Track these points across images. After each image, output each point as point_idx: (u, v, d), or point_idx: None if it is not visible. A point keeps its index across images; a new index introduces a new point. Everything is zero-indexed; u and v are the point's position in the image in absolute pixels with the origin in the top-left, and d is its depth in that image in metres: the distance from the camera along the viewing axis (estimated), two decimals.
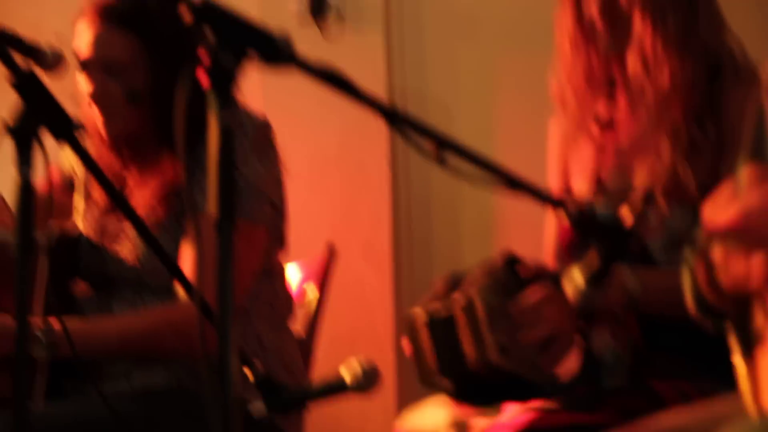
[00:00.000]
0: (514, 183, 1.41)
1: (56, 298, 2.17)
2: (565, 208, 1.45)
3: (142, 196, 2.38)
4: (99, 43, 2.34)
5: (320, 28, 3.70)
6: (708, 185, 2.14)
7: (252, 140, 2.34)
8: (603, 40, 2.22)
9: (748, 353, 1.50)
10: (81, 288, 2.49)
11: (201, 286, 1.35)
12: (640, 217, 1.48)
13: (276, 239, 2.47)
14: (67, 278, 2.47)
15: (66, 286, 2.46)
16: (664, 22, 2.16)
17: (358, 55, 3.62)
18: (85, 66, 2.37)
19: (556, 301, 1.98)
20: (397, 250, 3.60)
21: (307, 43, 3.63)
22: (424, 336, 2.08)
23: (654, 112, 2.20)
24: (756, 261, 1.34)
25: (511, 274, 2.05)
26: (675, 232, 2.15)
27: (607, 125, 2.30)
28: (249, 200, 2.32)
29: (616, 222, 1.48)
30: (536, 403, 2.01)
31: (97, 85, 2.35)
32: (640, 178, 2.22)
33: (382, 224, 3.59)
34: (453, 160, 1.41)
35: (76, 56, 2.36)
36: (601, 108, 2.31)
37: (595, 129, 2.31)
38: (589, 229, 1.49)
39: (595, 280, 1.52)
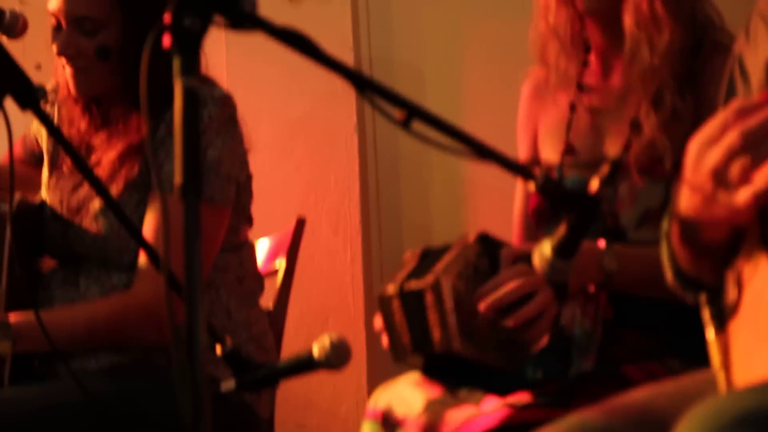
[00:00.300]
0: (482, 151, 1.39)
1: (21, 272, 2.15)
2: (533, 176, 1.43)
3: (110, 157, 2.36)
4: None
5: None
6: (681, 159, 2.13)
7: (215, 118, 2.32)
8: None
9: (721, 327, 1.49)
10: (49, 263, 2.47)
11: (167, 254, 1.32)
12: (606, 184, 1.45)
13: (242, 216, 2.46)
14: (33, 252, 2.44)
15: (32, 260, 2.44)
16: None
17: (324, 20, 3.59)
18: (57, 21, 2.35)
19: (531, 282, 1.97)
20: (365, 221, 3.58)
21: (272, 8, 3.64)
22: (397, 311, 2.05)
23: (640, 77, 2.15)
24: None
25: (484, 256, 2.02)
26: (647, 206, 2.12)
27: (582, 88, 2.27)
28: (213, 182, 2.30)
29: (583, 190, 1.46)
30: (510, 399, 1.99)
31: (67, 40, 2.33)
32: (613, 146, 2.20)
33: (351, 195, 3.58)
34: (421, 127, 1.39)
35: (49, 7, 2.34)
36: (575, 71, 2.28)
37: (572, 91, 2.27)
38: (556, 198, 1.47)
39: (562, 250, 1.49)
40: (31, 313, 2.14)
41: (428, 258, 2.06)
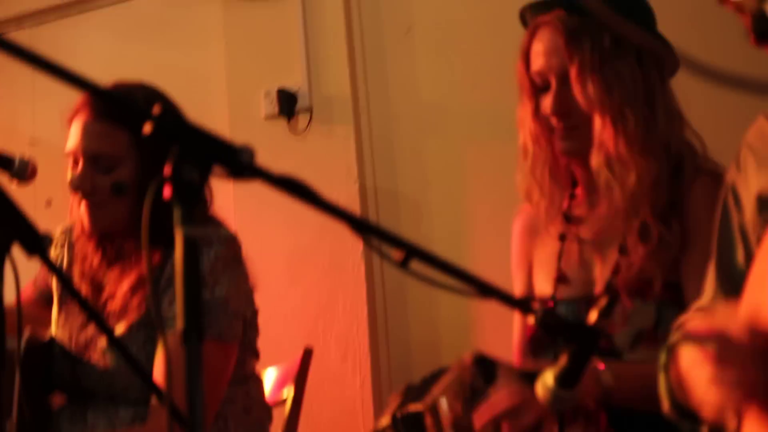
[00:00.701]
0: (482, 288, 1.41)
1: (30, 409, 2.16)
2: (533, 311, 1.45)
3: (122, 289, 2.37)
4: (88, 135, 2.36)
5: (291, 128, 3.74)
6: (671, 281, 2.16)
7: (221, 258, 2.34)
8: (561, 139, 2.24)
9: None
10: (59, 400, 2.47)
11: (171, 397, 1.34)
12: (605, 315, 1.48)
13: (249, 351, 2.47)
14: (41, 389, 2.45)
15: (40, 397, 2.44)
16: (624, 122, 2.16)
17: (330, 151, 3.66)
18: (74, 158, 2.38)
19: (523, 395, 1.98)
20: (374, 346, 3.59)
21: (279, 143, 3.71)
22: None
23: (623, 210, 2.20)
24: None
25: (479, 375, 2.04)
26: (639, 327, 2.15)
27: (570, 221, 2.31)
28: (220, 319, 2.31)
29: (579, 320, 1.49)
30: None
31: (84, 176, 2.36)
32: (603, 272, 2.23)
33: (359, 321, 3.59)
34: (423, 266, 1.41)
35: (68, 147, 2.38)
36: (563, 203, 2.33)
37: (561, 224, 2.32)
38: (556, 330, 1.49)
39: (565, 380, 1.51)
40: None
41: (411, 392, 2.09)
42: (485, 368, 2.05)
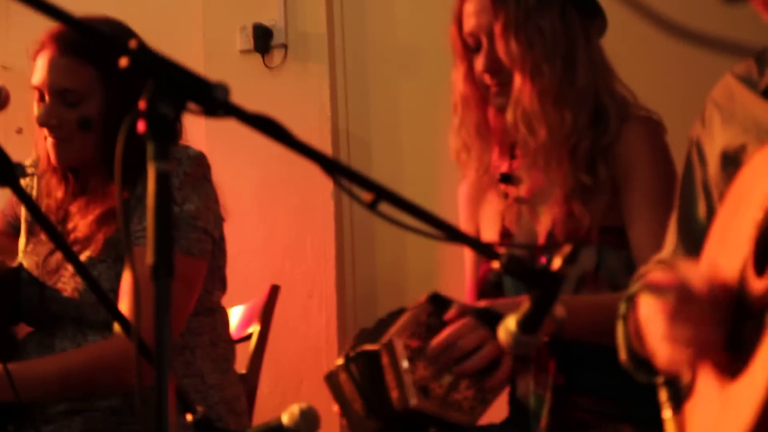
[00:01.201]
0: (451, 233, 1.43)
1: None
2: (499, 256, 1.48)
3: (86, 224, 2.39)
4: (54, 70, 2.36)
5: (266, 63, 3.73)
6: (609, 223, 2.21)
7: (190, 174, 2.36)
8: (495, 96, 2.29)
9: (678, 408, 1.53)
10: (24, 330, 2.48)
11: (138, 328, 1.36)
12: (569, 262, 1.50)
13: (217, 278, 2.49)
14: (9, 318, 2.46)
15: (6, 326, 2.45)
16: (540, 77, 2.22)
17: (303, 90, 3.65)
18: (40, 92, 2.39)
19: (477, 331, 2.03)
20: (341, 284, 3.61)
21: (253, 79, 3.70)
22: (345, 382, 2.11)
23: (540, 163, 2.26)
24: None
25: (435, 313, 2.08)
26: (581, 271, 2.21)
27: (510, 180, 2.36)
28: (188, 234, 2.33)
29: (546, 268, 1.51)
30: None
31: (50, 111, 2.37)
32: (544, 224, 2.28)
33: (327, 259, 3.60)
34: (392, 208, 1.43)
35: (33, 81, 2.39)
36: (504, 163, 2.37)
37: (496, 184, 2.37)
38: (520, 275, 1.51)
39: (527, 325, 1.54)
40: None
41: (365, 335, 2.12)
42: (441, 306, 2.09)
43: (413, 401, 2.01)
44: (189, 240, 2.33)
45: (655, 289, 1.48)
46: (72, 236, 2.39)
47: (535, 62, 2.22)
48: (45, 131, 2.40)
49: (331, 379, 2.15)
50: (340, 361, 2.13)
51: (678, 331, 1.43)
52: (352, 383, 2.10)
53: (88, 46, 2.34)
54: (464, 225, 2.48)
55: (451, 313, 2.08)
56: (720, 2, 1.26)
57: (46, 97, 2.38)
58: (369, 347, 2.07)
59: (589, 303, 2.14)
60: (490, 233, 2.38)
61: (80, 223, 2.39)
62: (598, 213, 2.21)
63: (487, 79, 2.29)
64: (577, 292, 2.20)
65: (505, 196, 2.35)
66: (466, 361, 2.05)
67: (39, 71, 2.38)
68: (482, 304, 2.17)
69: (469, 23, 2.30)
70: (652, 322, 1.50)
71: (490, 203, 2.40)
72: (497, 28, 2.24)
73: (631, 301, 1.67)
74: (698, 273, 1.47)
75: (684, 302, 1.43)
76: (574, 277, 2.20)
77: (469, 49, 2.32)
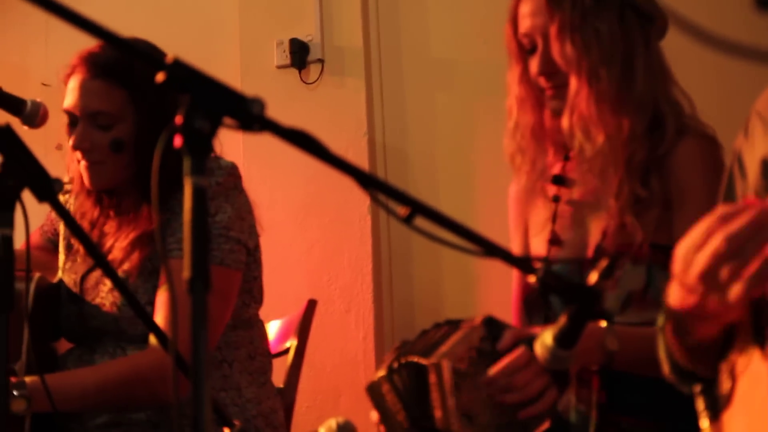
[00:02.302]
0: (486, 248, 1.42)
1: (36, 353, 2.18)
2: (534, 269, 1.47)
3: (121, 244, 2.39)
4: (85, 93, 2.37)
5: (302, 78, 3.74)
6: (660, 242, 2.17)
7: (222, 184, 2.37)
8: (550, 99, 2.25)
9: (715, 417, 1.51)
10: (63, 346, 2.50)
11: (175, 343, 1.36)
12: (605, 276, 1.49)
13: (254, 290, 2.49)
14: (50, 333, 2.47)
15: (47, 341, 2.47)
16: (598, 81, 2.17)
17: (340, 104, 3.66)
18: (72, 115, 2.40)
19: (532, 366, 1.99)
20: (378, 299, 3.61)
21: (290, 94, 3.71)
22: (388, 393, 2.09)
23: (595, 170, 2.21)
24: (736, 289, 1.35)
25: (488, 339, 2.05)
26: (629, 289, 2.16)
27: (563, 182, 2.32)
28: (221, 245, 2.34)
29: (583, 282, 1.50)
30: None
31: (82, 134, 2.38)
32: (595, 234, 2.24)
33: (364, 274, 3.61)
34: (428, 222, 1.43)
35: (65, 105, 2.40)
36: (557, 166, 2.33)
37: (549, 187, 2.33)
38: (556, 290, 1.50)
39: (563, 340, 1.53)
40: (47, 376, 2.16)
41: (406, 344, 2.10)
42: (495, 331, 2.06)
43: (455, 427, 2.00)
44: (222, 251, 2.33)
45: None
46: (108, 257, 2.41)
47: (592, 66, 2.17)
48: (78, 154, 2.41)
49: (373, 389, 2.14)
50: (382, 372, 2.11)
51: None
52: (396, 394, 2.09)
53: (120, 68, 2.35)
54: (513, 225, 2.45)
55: (504, 343, 2.03)
56: (752, 10, 1.25)
57: (78, 121, 2.39)
58: (418, 359, 2.05)
59: (641, 336, 2.06)
60: (539, 238, 2.34)
61: (116, 245, 2.40)
62: (649, 227, 2.15)
63: (542, 81, 2.25)
64: (624, 311, 2.16)
65: (556, 198, 2.32)
66: (515, 394, 2.01)
67: (70, 94, 2.39)
68: (537, 330, 2.15)
69: (525, 24, 2.26)
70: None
71: (540, 206, 2.36)
72: (552, 30, 2.19)
73: (665, 311, 1.66)
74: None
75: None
76: (623, 294, 2.16)
77: (524, 50, 2.28)
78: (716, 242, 1.32)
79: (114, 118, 2.37)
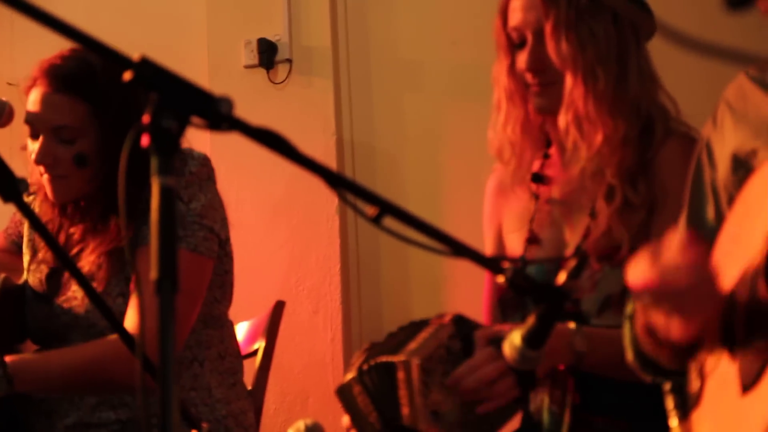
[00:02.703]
0: (455, 248, 1.42)
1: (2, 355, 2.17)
2: (503, 270, 1.47)
3: (89, 258, 2.37)
4: (47, 107, 2.34)
5: (270, 78, 3.73)
6: (639, 245, 2.16)
7: (195, 174, 2.36)
8: (535, 96, 2.24)
9: (684, 416, 1.52)
10: (29, 348, 2.48)
11: (143, 340, 1.35)
12: (574, 276, 1.49)
13: (226, 285, 2.48)
14: (14, 336, 2.45)
15: (12, 346, 2.45)
16: (595, 80, 2.16)
17: (307, 104, 3.66)
18: (34, 128, 2.36)
19: (501, 367, 1.99)
20: (346, 300, 3.61)
21: (258, 93, 3.70)
22: (359, 394, 2.09)
23: (588, 171, 2.20)
24: (674, 323, 1.40)
25: (457, 337, 2.05)
26: (607, 292, 2.16)
27: (542, 180, 2.32)
28: (195, 232, 2.33)
29: (548, 280, 1.51)
30: None
31: (45, 149, 2.35)
32: (574, 234, 2.24)
33: (332, 275, 3.60)
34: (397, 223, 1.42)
35: (26, 118, 2.36)
36: (536, 163, 2.33)
37: (531, 183, 2.32)
38: (525, 290, 1.51)
39: (532, 340, 1.53)
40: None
41: (374, 347, 2.10)
42: (464, 329, 2.06)
43: (422, 425, 2.00)
44: (196, 238, 2.32)
45: (635, 295, 1.47)
46: (77, 264, 2.39)
47: (588, 64, 2.16)
48: (41, 168, 2.38)
49: (344, 392, 2.13)
50: (352, 374, 2.10)
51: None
52: (367, 395, 2.08)
53: (82, 81, 2.32)
54: (487, 219, 2.43)
55: (477, 346, 2.03)
56: (724, 10, 1.25)
57: (39, 133, 2.36)
58: (386, 358, 2.05)
59: (611, 338, 2.04)
60: (515, 235, 2.33)
61: (83, 256, 2.39)
62: (632, 231, 2.15)
63: (529, 77, 2.23)
64: (602, 314, 2.15)
65: (536, 197, 2.31)
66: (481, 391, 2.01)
67: (32, 107, 2.35)
68: (506, 327, 2.15)
69: (515, 18, 2.24)
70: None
71: (517, 202, 2.34)
72: (548, 27, 2.18)
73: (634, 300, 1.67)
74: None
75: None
76: (601, 297, 2.16)
77: (512, 43, 2.26)
78: (653, 296, 1.42)
79: (77, 131, 2.34)
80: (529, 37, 2.23)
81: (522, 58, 2.23)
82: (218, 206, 2.41)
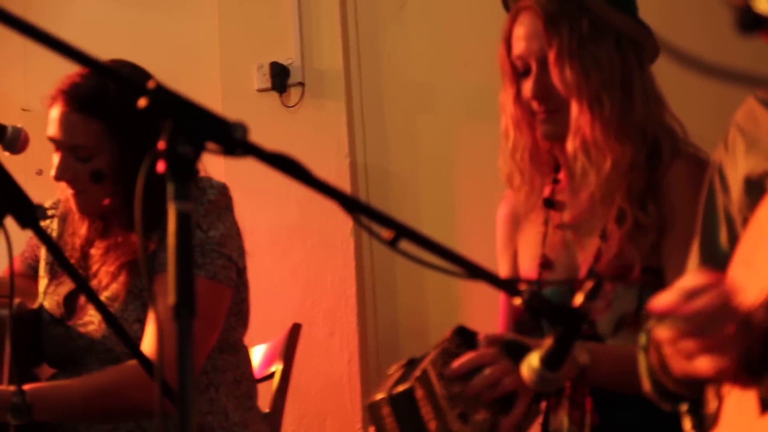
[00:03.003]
0: (471, 270, 1.42)
1: (19, 382, 2.17)
2: (520, 293, 1.47)
3: (108, 269, 2.40)
4: (64, 127, 2.39)
5: (283, 102, 3.74)
6: (651, 264, 2.17)
7: (214, 202, 2.39)
8: (542, 123, 2.25)
9: None
10: (45, 372, 2.48)
11: (161, 366, 1.35)
12: (590, 298, 1.50)
13: (241, 312, 2.49)
14: (30, 360, 2.46)
15: (29, 369, 2.45)
16: (600, 107, 2.17)
17: (321, 127, 3.66)
18: (56, 142, 2.41)
19: (500, 362, 2.00)
20: (362, 322, 3.60)
21: (270, 117, 3.71)
22: (387, 415, 2.09)
23: (598, 195, 2.21)
24: (702, 362, 1.39)
25: (461, 344, 2.07)
26: (621, 312, 2.17)
27: (553, 205, 2.33)
28: (214, 260, 2.35)
29: (564, 303, 1.51)
30: None
31: (63, 166, 2.41)
32: (586, 257, 2.24)
33: (348, 297, 3.60)
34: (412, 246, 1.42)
35: (48, 133, 2.41)
36: (546, 188, 2.34)
37: (542, 208, 2.33)
38: (542, 312, 1.50)
39: (550, 362, 1.53)
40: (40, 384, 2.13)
41: (413, 363, 2.11)
42: (467, 337, 2.08)
43: (454, 427, 2.01)
44: (215, 266, 2.35)
45: (661, 317, 1.45)
46: (95, 280, 2.41)
47: (594, 91, 2.17)
48: (64, 183, 2.44)
49: (373, 409, 2.13)
50: (382, 394, 2.11)
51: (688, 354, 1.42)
52: (395, 418, 2.09)
53: (97, 101, 2.37)
54: (501, 247, 2.45)
55: (482, 348, 2.05)
56: (736, 34, 1.25)
57: (59, 152, 2.42)
58: (401, 387, 2.06)
59: (614, 353, 2.08)
60: (529, 259, 2.34)
61: (102, 269, 2.41)
62: (643, 251, 2.16)
63: (535, 105, 2.25)
64: (616, 333, 2.16)
65: (547, 222, 2.32)
66: (484, 389, 2.02)
67: (52, 125, 2.41)
68: (508, 334, 2.16)
69: (519, 47, 2.25)
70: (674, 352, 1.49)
71: (530, 228, 2.36)
72: (551, 55, 2.19)
73: (650, 333, 1.66)
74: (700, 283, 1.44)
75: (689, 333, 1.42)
76: (615, 317, 2.16)
77: (517, 71, 2.27)
78: (678, 323, 1.38)
79: (92, 150, 2.39)
80: (534, 66, 2.24)
81: (527, 87, 2.25)
82: (236, 235, 2.44)
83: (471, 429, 2.02)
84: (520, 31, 2.25)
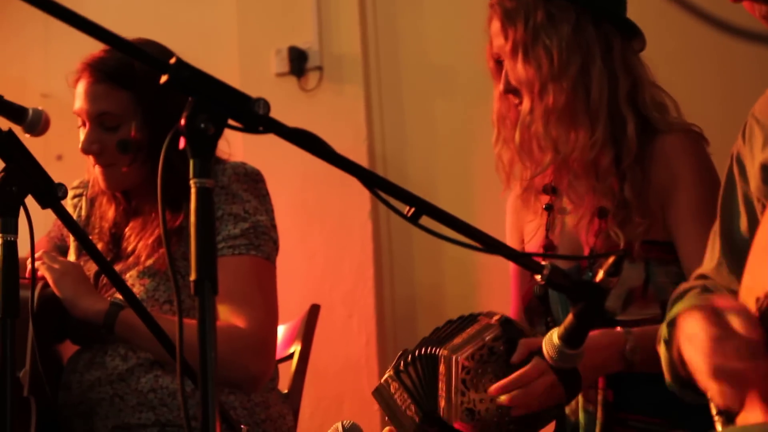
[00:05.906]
0: (490, 244, 1.43)
1: (42, 360, 2.19)
2: (541, 267, 1.47)
3: (145, 245, 2.43)
4: (91, 97, 2.42)
5: (301, 86, 3.74)
6: (655, 238, 2.20)
7: (257, 188, 2.45)
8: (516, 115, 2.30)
9: (730, 421, 1.52)
10: (68, 349, 2.49)
11: (182, 346, 1.36)
12: (612, 273, 1.50)
13: None
14: (53, 337, 2.47)
15: (51, 348, 2.46)
16: (545, 95, 2.21)
17: (338, 112, 3.66)
18: (81, 119, 2.44)
19: (545, 377, 1.99)
20: (380, 304, 3.61)
21: (289, 101, 3.71)
22: (396, 390, 2.10)
23: (583, 178, 2.26)
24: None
25: (501, 340, 2.05)
26: (629, 287, 2.18)
27: (552, 191, 2.36)
28: (267, 242, 2.41)
29: (590, 280, 1.51)
30: None
31: (90, 137, 2.43)
32: (587, 238, 2.26)
33: (366, 279, 3.61)
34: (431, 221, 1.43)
35: (74, 109, 2.44)
36: (546, 177, 2.36)
37: (541, 197, 2.37)
38: (563, 288, 1.51)
39: (570, 339, 1.53)
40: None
41: (405, 356, 2.11)
42: (509, 333, 2.06)
43: (456, 421, 2.01)
44: (269, 247, 2.41)
45: (719, 311, 1.45)
46: (133, 257, 2.43)
47: (542, 83, 2.21)
48: (91, 159, 2.46)
49: (380, 391, 2.15)
50: (388, 374, 2.12)
51: (722, 366, 1.42)
52: (404, 390, 2.10)
53: (122, 70, 2.40)
54: (510, 235, 2.48)
55: (518, 356, 2.03)
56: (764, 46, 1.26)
57: (87, 125, 2.43)
58: (431, 349, 2.08)
59: (652, 336, 2.02)
60: (533, 245, 2.36)
61: (139, 244, 2.44)
62: (634, 229, 2.18)
63: (511, 98, 2.30)
64: (625, 308, 2.18)
65: (547, 207, 2.35)
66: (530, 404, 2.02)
67: (78, 99, 2.45)
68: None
69: (494, 43, 2.31)
70: (694, 357, 1.49)
71: (533, 214, 2.39)
72: (506, 52, 2.26)
73: (673, 325, 1.66)
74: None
75: (729, 336, 1.41)
76: (623, 293, 2.17)
77: (500, 67, 2.32)
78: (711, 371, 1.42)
79: (119, 118, 2.42)
80: (504, 61, 2.29)
81: (502, 81, 2.29)
82: (274, 221, 2.50)
83: (473, 426, 2.02)
84: (493, 28, 2.31)
